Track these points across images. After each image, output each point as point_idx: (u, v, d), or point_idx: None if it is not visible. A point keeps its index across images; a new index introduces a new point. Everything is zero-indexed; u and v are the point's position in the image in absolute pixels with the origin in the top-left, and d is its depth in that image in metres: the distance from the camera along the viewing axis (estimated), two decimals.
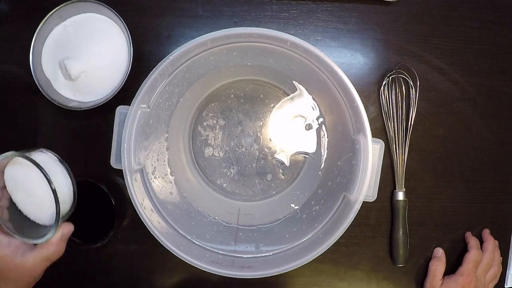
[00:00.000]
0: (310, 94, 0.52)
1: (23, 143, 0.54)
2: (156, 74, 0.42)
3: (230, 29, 0.41)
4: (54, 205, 0.39)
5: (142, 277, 0.56)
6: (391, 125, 0.54)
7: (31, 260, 0.40)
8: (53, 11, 0.49)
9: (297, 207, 0.53)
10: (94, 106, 0.50)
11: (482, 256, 0.56)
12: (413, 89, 0.53)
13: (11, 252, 0.40)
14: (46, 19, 0.50)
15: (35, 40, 0.50)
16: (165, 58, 0.41)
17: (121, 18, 0.50)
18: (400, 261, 0.55)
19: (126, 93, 0.48)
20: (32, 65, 0.49)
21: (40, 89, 0.50)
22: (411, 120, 0.54)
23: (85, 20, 0.52)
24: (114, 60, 0.51)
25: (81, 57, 0.50)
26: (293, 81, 0.52)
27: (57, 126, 0.54)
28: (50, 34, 0.51)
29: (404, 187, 0.55)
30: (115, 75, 0.51)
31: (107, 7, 0.50)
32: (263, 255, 0.47)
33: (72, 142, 0.54)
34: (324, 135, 0.53)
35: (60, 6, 0.49)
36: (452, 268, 0.57)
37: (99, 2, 0.50)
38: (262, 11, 0.53)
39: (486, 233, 0.58)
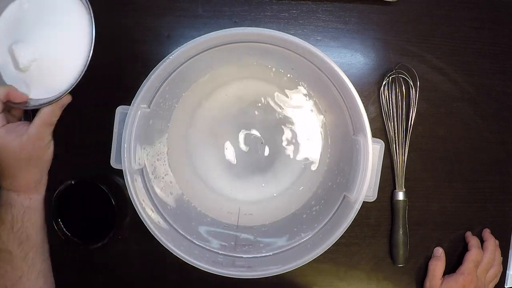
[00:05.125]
0: (310, 94, 0.52)
1: None
2: (156, 74, 0.42)
3: (230, 29, 0.41)
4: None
5: (142, 277, 0.56)
6: (391, 125, 0.54)
7: (34, 129, 0.43)
8: None
9: (297, 207, 0.53)
10: (42, 106, 0.44)
11: (483, 256, 0.56)
12: (413, 89, 0.53)
13: (15, 136, 0.43)
14: None
15: None
16: (165, 58, 0.41)
17: None
18: (400, 261, 0.55)
19: (126, 93, 0.48)
20: None
21: None
22: (411, 120, 0.54)
23: None
24: (72, 46, 0.44)
25: (34, 42, 0.44)
26: (293, 81, 0.52)
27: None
28: (3, 13, 0.45)
29: (404, 187, 0.55)
30: (73, 65, 0.44)
31: None
32: (263, 255, 0.47)
33: (72, 142, 0.54)
34: (324, 135, 0.53)
35: None
36: (452, 267, 0.57)
37: None
38: (262, 11, 0.53)
39: (487, 232, 0.58)
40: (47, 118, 0.44)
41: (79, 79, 0.44)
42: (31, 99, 0.45)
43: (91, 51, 0.43)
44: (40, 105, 0.44)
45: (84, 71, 0.43)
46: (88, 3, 0.43)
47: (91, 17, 0.43)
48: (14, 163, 0.43)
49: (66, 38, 0.44)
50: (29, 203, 0.45)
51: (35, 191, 0.46)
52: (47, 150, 0.46)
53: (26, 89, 0.45)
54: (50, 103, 0.44)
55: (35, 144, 0.43)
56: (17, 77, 0.45)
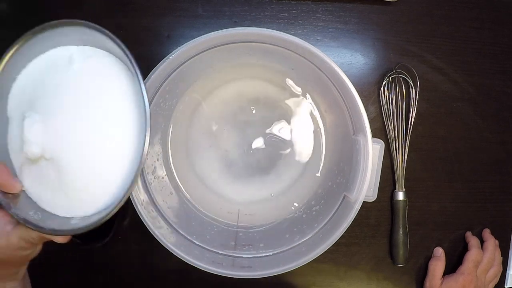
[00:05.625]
0: (310, 94, 0.52)
1: None
2: (156, 74, 0.42)
3: (230, 29, 0.41)
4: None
5: (142, 277, 0.56)
6: (391, 125, 0.54)
7: (16, 240, 0.32)
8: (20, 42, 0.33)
9: (297, 207, 0.53)
10: (55, 232, 0.31)
11: (483, 256, 0.56)
12: (413, 89, 0.53)
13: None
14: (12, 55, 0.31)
15: None
16: (165, 58, 0.41)
17: (130, 57, 0.33)
18: (400, 261, 0.55)
19: None
20: None
21: None
22: (411, 120, 0.54)
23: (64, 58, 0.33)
24: (117, 139, 0.31)
25: (56, 119, 0.31)
26: (293, 81, 0.52)
27: None
28: (30, 64, 0.33)
29: (404, 187, 0.55)
30: (115, 171, 0.30)
31: (108, 36, 0.32)
32: (263, 255, 0.47)
33: None
34: (324, 135, 0.53)
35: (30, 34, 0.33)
36: (452, 267, 0.57)
37: (95, 27, 0.32)
38: (262, 11, 0.53)
39: (487, 232, 0.58)
40: (39, 239, 0.33)
41: (126, 196, 0.29)
42: (41, 210, 0.32)
43: (145, 153, 0.29)
44: (54, 230, 0.31)
45: (133, 181, 0.28)
46: (132, 59, 0.32)
47: (142, 86, 0.31)
48: None
49: (108, 125, 0.31)
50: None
51: (10, 280, 0.36)
52: (29, 256, 0.35)
53: (38, 195, 0.31)
54: (65, 232, 0.31)
55: (13, 252, 0.33)
56: (28, 172, 0.32)
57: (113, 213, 0.30)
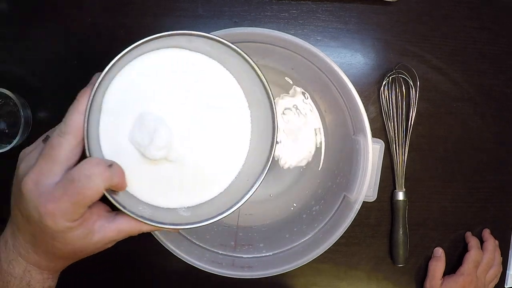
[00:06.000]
0: (310, 94, 0.52)
1: None
2: None
3: (230, 29, 0.41)
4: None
5: (143, 277, 0.56)
6: (391, 125, 0.54)
7: (108, 240, 0.33)
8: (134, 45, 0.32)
9: (297, 207, 0.53)
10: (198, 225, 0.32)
11: (482, 256, 0.56)
12: (413, 89, 0.53)
13: (84, 235, 0.31)
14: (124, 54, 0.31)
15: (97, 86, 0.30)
16: None
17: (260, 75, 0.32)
18: (400, 261, 0.55)
19: None
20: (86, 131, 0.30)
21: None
22: (411, 120, 0.54)
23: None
24: (232, 137, 0.34)
25: (179, 118, 0.33)
26: (293, 81, 0.52)
27: None
28: (116, 77, 0.32)
29: (404, 187, 0.55)
30: (232, 163, 0.33)
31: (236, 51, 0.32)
32: (263, 255, 0.47)
33: None
34: (324, 135, 0.53)
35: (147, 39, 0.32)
36: (452, 268, 0.57)
37: (221, 40, 0.32)
38: (262, 11, 0.53)
39: (487, 233, 0.58)
40: (135, 231, 0.33)
41: (252, 192, 0.31)
42: (142, 203, 0.33)
43: (272, 155, 0.31)
44: (173, 224, 0.32)
45: (263, 177, 0.30)
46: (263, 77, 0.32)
47: (272, 101, 0.32)
48: (65, 255, 0.33)
49: (227, 127, 0.34)
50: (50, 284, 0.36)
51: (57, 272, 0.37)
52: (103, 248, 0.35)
53: (149, 192, 0.33)
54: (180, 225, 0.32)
55: (103, 246, 0.34)
56: (140, 172, 0.33)
57: (239, 206, 0.33)
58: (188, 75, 0.34)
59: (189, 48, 0.34)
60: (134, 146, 0.32)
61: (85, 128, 0.30)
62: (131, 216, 0.31)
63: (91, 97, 0.30)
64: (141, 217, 0.32)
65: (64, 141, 0.30)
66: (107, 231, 0.32)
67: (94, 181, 0.29)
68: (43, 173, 0.30)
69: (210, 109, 0.34)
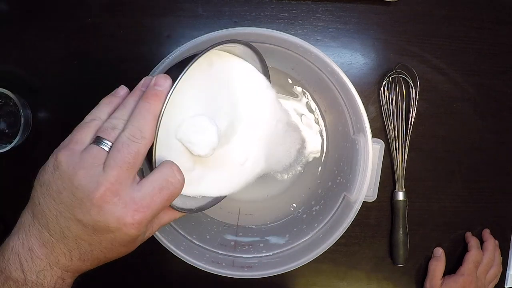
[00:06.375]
0: (310, 94, 0.52)
1: None
2: (156, 74, 0.41)
3: (230, 29, 0.41)
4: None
5: (143, 277, 0.56)
6: (391, 125, 0.54)
7: (155, 230, 0.34)
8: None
9: (297, 207, 0.53)
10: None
11: (483, 256, 0.56)
12: (413, 89, 0.53)
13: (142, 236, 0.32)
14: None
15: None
16: (165, 58, 0.41)
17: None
18: (400, 261, 0.55)
19: None
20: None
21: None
22: (411, 120, 0.54)
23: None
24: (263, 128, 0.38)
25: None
26: (293, 81, 0.52)
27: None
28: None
29: (404, 187, 0.55)
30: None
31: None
32: (263, 255, 0.47)
33: None
34: (324, 135, 0.53)
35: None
36: (452, 268, 0.57)
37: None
38: (262, 11, 0.53)
39: (487, 233, 0.58)
40: (171, 221, 0.35)
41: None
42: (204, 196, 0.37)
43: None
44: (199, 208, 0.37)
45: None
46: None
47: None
48: (115, 258, 0.34)
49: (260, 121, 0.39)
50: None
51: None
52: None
53: (196, 187, 0.37)
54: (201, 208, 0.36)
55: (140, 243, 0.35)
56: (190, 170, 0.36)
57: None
58: (221, 74, 0.38)
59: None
60: (183, 144, 0.34)
61: (157, 132, 0.30)
62: (177, 210, 0.34)
63: (167, 101, 0.30)
64: (181, 209, 0.35)
65: (142, 146, 0.29)
66: (154, 226, 0.34)
67: (181, 186, 0.30)
68: (122, 182, 0.29)
69: (245, 105, 0.39)
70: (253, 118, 0.40)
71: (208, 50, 0.32)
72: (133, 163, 0.29)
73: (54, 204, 0.29)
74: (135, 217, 0.29)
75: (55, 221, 0.29)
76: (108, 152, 0.30)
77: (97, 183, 0.28)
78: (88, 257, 0.31)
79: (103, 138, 0.30)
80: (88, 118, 0.32)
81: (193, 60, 0.31)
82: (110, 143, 0.30)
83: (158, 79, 0.31)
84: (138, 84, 0.33)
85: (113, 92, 0.34)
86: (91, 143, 0.30)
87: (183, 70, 0.31)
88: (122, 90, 0.34)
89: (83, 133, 0.31)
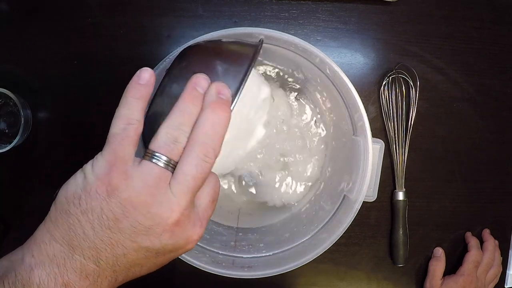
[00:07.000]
0: (310, 94, 0.52)
1: None
2: (156, 74, 0.41)
3: (230, 29, 0.41)
4: None
5: (142, 277, 0.56)
6: (391, 125, 0.54)
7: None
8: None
9: (297, 207, 0.53)
10: None
11: (482, 256, 0.56)
12: (413, 89, 0.53)
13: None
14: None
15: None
16: (165, 58, 0.41)
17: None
18: (400, 261, 0.55)
19: None
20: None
21: None
22: (411, 120, 0.54)
23: None
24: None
25: None
26: (293, 81, 0.52)
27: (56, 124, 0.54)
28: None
29: (404, 187, 0.55)
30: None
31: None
32: (263, 255, 0.47)
33: (73, 144, 0.54)
34: (324, 135, 0.53)
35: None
36: (452, 268, 0.57)
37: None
38: (262, 11, 0.53)
39: (487, 233, 0.58)
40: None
41: None
42: None
43: None
44: None
45: None
46: None
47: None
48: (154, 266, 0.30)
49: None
50: None
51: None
52: None
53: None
54: None
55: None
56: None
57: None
58: None
59: None
60: None
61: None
62: None
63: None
64: None
65: (212, 165, 0.27)
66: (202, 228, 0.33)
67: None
68: (190, 203, 0.27)
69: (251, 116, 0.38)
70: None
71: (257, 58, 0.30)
72: (201, 183, 0.27)
73: (109, 233, 0.26)
74: (199, 233, 0.28)
75: (109, 251, 0.26)
76: (170, 170, 0.26)
77: (171, 210, 0.26)
78: (132, 276, 0.29)
79: (162, 154, 0.26)
80: (119, 123, 0.27)
81: (249, 69, 0.28)
82: (168, 159, 0.26)
83: (221, 88, 0.28)
84: (190, 83, 0.28)
85: (136, 78, 0.28)
86: (144, 159, 0.26)
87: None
88: (147, 73, 0.28)
89: (126, 146, 0.26)
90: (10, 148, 0.49)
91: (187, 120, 0.27)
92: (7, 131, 0.52)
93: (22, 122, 0.50)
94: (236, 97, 0.28)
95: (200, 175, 0.26)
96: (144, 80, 0.28)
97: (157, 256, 0.28)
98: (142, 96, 0.27)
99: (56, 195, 0.28)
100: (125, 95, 0.27)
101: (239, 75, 0.28)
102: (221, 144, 0.27)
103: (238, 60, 0.29)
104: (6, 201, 0.54)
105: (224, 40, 0.33)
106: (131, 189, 0.25)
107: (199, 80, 0.28)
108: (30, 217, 0.53)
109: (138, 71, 0.28)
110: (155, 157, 0.26)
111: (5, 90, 0.50)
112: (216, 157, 0.27)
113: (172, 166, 0.26)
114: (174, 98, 0.28)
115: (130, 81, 0.28)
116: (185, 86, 0.28)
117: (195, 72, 0.29)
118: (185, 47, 0.33)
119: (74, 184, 0.27)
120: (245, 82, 0.28)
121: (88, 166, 0.27)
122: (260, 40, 0.33)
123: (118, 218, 0.25)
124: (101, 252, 0.26)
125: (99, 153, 0.27)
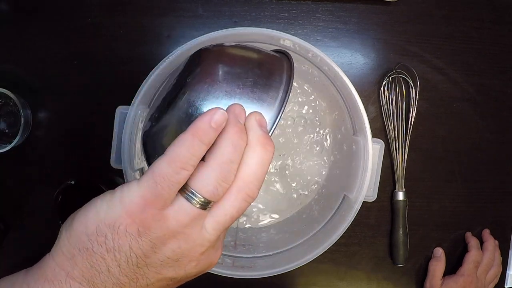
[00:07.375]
0: (310, 94, 0.52)
1: None
2: (156, 74, 0.41)
3: (230, 29, 0.41)
4: None
5: None
6: (391, 125, 0.54)
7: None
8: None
9: (297, 207, 0.53)
10: None
11: (482, 256, 0.56)
12: (413, 89, 0.53)
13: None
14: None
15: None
16: (165, 58, 0.41)
17: None
18: (400, 261, 0.55)
19: (126, 93, 0.48)
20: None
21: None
22: (411, 120, 0.54)
23: None
24: None
25: None
26: (293, 82, 0.52)
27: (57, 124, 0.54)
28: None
29: (404, 187, 0.55)
30: None
31: None
32: (263, 255, 0.47)
33: (72, 142, 0.54)
34: (324, 135, 0.53)
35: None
36: (452, 268, 0.57)
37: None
38: (262, 11, 0.53)
39: (487, 233, 0.58)
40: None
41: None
42: None
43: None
44: None
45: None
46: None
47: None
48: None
49: None
50: None
51: None
52: None
53: None
54: None
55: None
56: None
57: None
58: None
59: None
60: None
61: None
62: None
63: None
64: None
65: (249, 204, 0.26)
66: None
67: None
68: (223, 233, 0.27)
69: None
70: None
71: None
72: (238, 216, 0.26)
73: (135, 269, 0.25)
74: (220, 254, 0.28)
75: (133, 285, 0.25)
76: (208, 209, 0.25)
77: (201, 246, 0.25)
78: None
79: (204, 196, 0.24)
80: (174, 164, 0.24)
81: (287, 96, 0.25)
82: (208, 202, 0.24)
83: (260, 119, 0.25)
84: (231, 113, 0.25)
85: (208, 119, 0.24)
86: (182, 195, 0.25)
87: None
88: (222, 116, 0.24)
89: (173, 191, 0.24)
90: (10, 148, 0.49)
91: (238, 157, 0.24)
92: (7, 131, 0.52)
93: (22, 122, 0.50)
94: (273, 127, 0.25)
95: (238, 215, 0.25)
96: (217, 123, 0.24)
97: (179, 282, 0.27)
98: (209, 142, 0.24)
99: (65, 222, 0.26)
100: (191, 133, 0.24)
101: (275, 102, 0.25)
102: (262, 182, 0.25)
103: (273, 84, 0.26)
104: (6, 201, 0.54)
105: (249, 47, 0.29)
106: (165, 230, 0.24)
107: (241, 113, 0.26)
108: (30, 217, 0.53)
109: (210, 110, 0.24)
110: (195, 197, 0.24)
111: (5, 90, 0.50)
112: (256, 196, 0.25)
113: (210, 205, 0.25)
114: (191, 116, 0.25)
115: (201, 119, 0.24)
116: (224, 114, 0.25)
117: (226, 92, 0.25)
118: (201, 49, 0.30)
119: (96, 218, 0.24)
120: (283, 110, 0.25)
121: (113, 195, 0.25)
122: (284, 53, 0.28)
123: (147, 255, 0.24)
124: (124, 286, 0.25)
125: (133, 182, 0.24)
